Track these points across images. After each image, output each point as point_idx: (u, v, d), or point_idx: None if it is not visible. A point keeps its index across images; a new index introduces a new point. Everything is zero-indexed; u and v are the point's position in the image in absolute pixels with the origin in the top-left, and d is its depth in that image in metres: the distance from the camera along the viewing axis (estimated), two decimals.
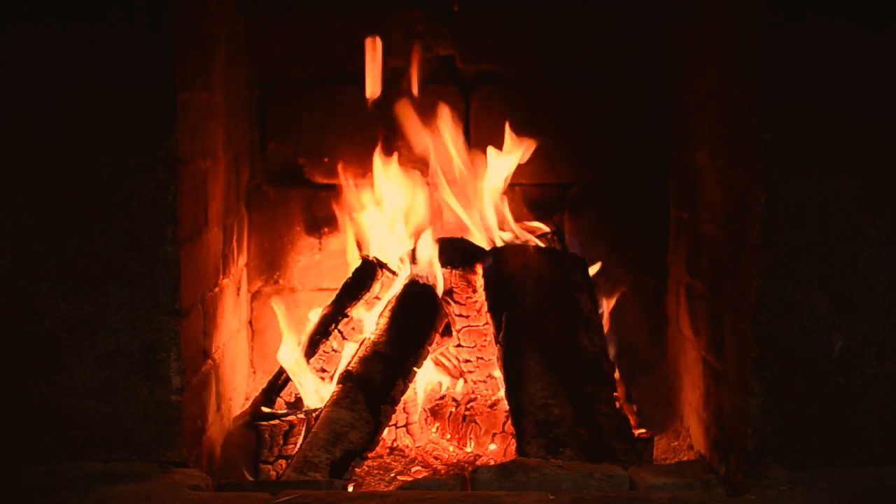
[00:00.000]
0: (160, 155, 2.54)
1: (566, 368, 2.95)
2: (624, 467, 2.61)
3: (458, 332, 3.25)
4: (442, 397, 3.27)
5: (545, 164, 3.57)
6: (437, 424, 3.23)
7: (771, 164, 2.49)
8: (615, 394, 2.95)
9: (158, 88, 2.53)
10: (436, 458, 3.14)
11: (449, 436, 3.20)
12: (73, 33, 2.52)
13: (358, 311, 3.20)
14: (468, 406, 3.20)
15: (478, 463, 3.06)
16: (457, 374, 3.30)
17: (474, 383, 3.27)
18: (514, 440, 2.90)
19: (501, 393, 3.06)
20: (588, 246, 3.48)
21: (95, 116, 2.53)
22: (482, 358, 3.25)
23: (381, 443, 3.00)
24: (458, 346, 3.26)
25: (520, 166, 3.46)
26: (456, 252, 3.26)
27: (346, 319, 3.19)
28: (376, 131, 3.51)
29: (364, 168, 3.51)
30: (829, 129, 2.49)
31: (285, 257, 3.65)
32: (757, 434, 2.54)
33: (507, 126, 3.43)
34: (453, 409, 3.21)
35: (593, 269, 3.34)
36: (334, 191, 3.56)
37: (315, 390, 3.09)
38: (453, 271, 3.24)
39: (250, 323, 3.62)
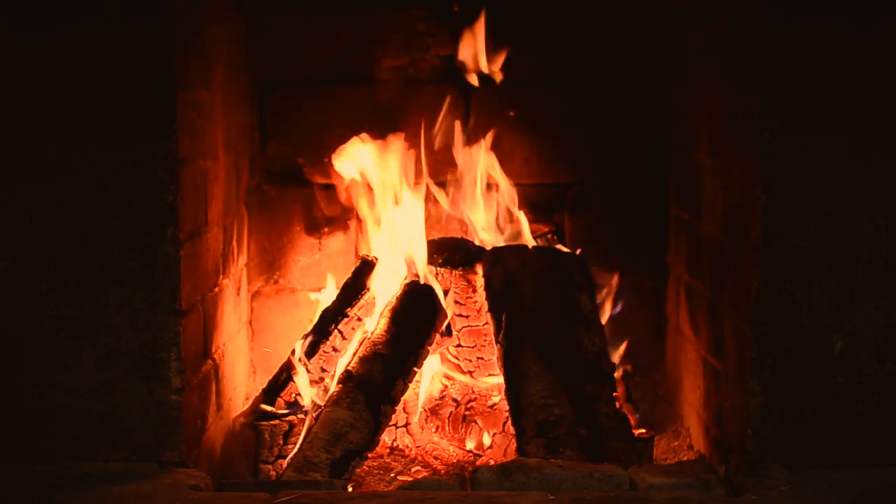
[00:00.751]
0: (160, 155, 2.54)
1: (566, 368, 2.95)
2: (624, 467, 2.61)
3: (458, 332, 3.25)
4: (442, 397, 3.27)
5: (545, 164, 3.57)
6: (437, 424, 3.23)
7: (771, 164, 2.49)
8: (615, 394, 2.96)
9: (158, 88, 2.53)
10: (436, 458, 3.14)
11: (449, 436, 3.20)
12: (73, 33, 2.51)
13: (358, 311, 3.20)
14: (468, 406, 3.20)
15: (478, 463, 3.06)
16: (465, 372, 3.30)
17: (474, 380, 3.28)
18: (514, 440, 2.90)
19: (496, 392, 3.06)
20: (588, 246, 3.47)
21: (95, 116, 2.53)
22: (482, 358, 3.25)
23: (381, 443, 3.00)
24: (459, 346, 3.27)
25: (520, 166, 3.46)
26: (456, 252, 3.26)
27: (345, 319, 3.19)
28: (376, 131, 3.51)
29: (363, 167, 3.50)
30: (829, 129, 2.49)
31: (285, 257, 3.65)
32: (757, 434, 2.54)
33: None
34: (453, 409, 3.21)
35: (614, 281, 3.37)
36: (334, 191, 3.57)
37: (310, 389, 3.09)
38: (453, 271, 3.24)
39: (250, 323, 3.61)
